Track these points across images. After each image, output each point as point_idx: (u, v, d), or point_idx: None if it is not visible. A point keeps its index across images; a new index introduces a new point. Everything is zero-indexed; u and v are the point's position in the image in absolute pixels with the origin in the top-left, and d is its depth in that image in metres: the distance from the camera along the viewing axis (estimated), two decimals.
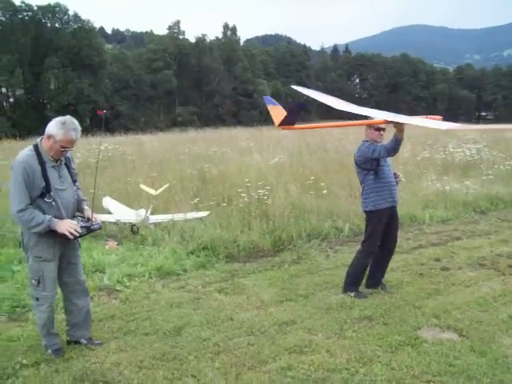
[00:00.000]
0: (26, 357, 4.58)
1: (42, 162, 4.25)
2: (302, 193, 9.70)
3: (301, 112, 5.88)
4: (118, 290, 6.30)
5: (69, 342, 4.81)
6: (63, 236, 4.31)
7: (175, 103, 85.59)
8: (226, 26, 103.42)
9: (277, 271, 7.02)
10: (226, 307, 5.76)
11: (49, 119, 4.48)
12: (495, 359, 4.54)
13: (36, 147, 4.31)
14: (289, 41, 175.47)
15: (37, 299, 4.46)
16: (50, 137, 4.24)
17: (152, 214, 8.82)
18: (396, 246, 6.39)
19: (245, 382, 4.19)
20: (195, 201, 8.94)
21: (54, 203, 4.29)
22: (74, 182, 4.61)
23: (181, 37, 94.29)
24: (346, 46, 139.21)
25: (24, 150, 4.32)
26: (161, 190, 9.36)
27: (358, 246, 7.82)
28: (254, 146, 16.84)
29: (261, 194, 8.94)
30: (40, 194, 4.24)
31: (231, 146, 17.20)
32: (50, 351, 4.57)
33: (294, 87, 7.83)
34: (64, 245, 4.49)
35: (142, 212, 8.67)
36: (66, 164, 4.50)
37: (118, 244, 8.05)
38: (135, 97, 79.81)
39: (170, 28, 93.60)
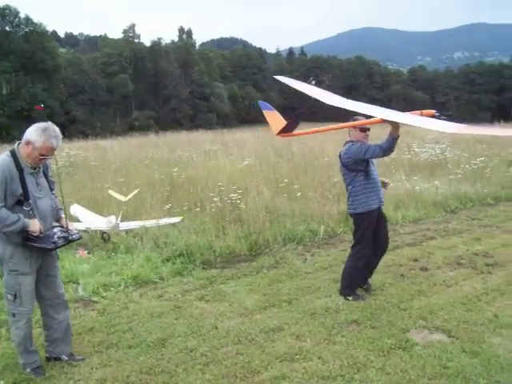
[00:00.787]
0: (3, 377, 4.32)
1: (19, 169, 4.01)
2: (274, 196, 9.59)
3: (299, 121, 5.78)
4: (94, 301, 6.05)
5: (48, 359, 4.56)
6: (40, 249, 4.09)
7: (131, 107, 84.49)
8: (181, 30, 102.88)
9: (256, 277, 6.88)
10: (209, 315, 5.58)
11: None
12: (488, 359, 4.51)
13: (13, 153, 4.06)
14: (244, 44, 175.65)
15: (13, 315, 4.19)
16: (28, 143, 4.00)
17: (122, 220, 8.56)
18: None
19: None
20: (167, 206, 8.72)
21: (31, 212, 4.05)
22: (51, 190, 4.38)
23: (136, 40, 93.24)
24: (302, 48, 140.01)
25: (0, 155, 4.08)
26: (130, 195, 9.10)
27: (339, 248, 7.82)
28: (219, 149, 16.68)
29: (234, 198, 8.78)
30: (17, 202, 3.99)
31: (196, 150, 16.97)
32: (28, 370, 4.30)
33: (277, 77, 7.70)
34: (42, 257, 4.25)
35: (112, 219, 8.40)
36: (43, 172, 4.27)
37: (88, 253, 7.76)
38: (91, 101, 78.48)
39: (124, 32, 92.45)
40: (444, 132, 4.83)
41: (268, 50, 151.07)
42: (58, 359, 4.53)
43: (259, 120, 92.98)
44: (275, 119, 6.20)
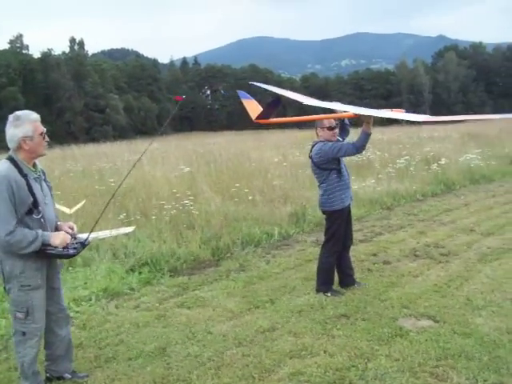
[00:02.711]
0: None
1: (24, 175, 3.74)
2: (222, 201, 9.55)
3: (277, 107, 5.81)
4: (70, 317, 5.73)
5: (49, 379, 4.25)
6: (60, 256, 3.85)
7: None
8: (72, 40, 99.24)
9: (227, 280, 6.82)
10: (198, 321, 5.48)
11: None
12: (481, 338, 4.80)
13: (12, 159, 3.77)
14: (137, 54, 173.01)
15: (23, 334, 3.85)
16: (25, 140, 3.73)
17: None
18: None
19: None
20: (121, 216, 8.44)
21: (42, 220, 3.81)
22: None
23: (24, 51, 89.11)
24: (195, 58, 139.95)
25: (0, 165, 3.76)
26: (76, 207, 8.67)
27: (296, 249, 7.93)
28: (143, 158, 16.31)
29: (187, 204, 8.66)
30: (27, 211, 3.73)
31: (116, 161, 16.53)
32: None
33: (256, 84, 7.78)
34: (49, 266, 3.99)
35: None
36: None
37: None
38: None
39: (11, 42, 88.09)
40: (416, 121, 5.09)
41: (161, 61, 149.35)
42: (60, 378, 4.25)
43: (159, 131, 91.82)
44: (253, 107, 6.34)
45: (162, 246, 7.51)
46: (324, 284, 6.17)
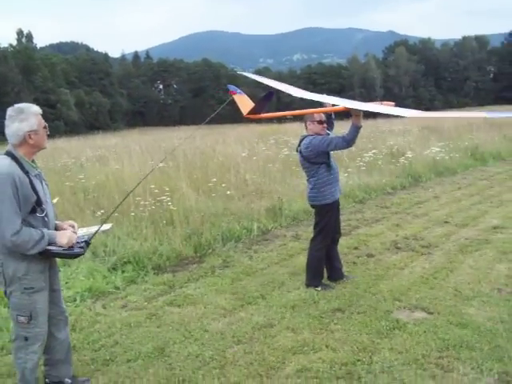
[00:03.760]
0: None
1: (26, 172, 3.54)
2: (198, 196, 9.41)
3: (269, 102, 5.73)
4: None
5: None
6: (61, 256, 3.68)
7: None
8: (20, 33, 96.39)
9: (214, 277, 6.71)
10: (192, 319, 5.37)
11: None
12: (477, 328, 4.89)
13: (13, 156, 3.57)
14: (87, 48, 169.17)
15: (26, 339, 3.66)
16: (30, 134, 3.54)
17: None
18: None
19: None
20: (99, 213, 8.20)
21: (46, 218, 3.63)
22: None
23: None
24: (147, 52, 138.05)
25: (1, 160, 3.56)
26: None
27: (277, 244, 7.90)
28: (105, 155, 15.96)
29: (164, 200, 8.49)
30: (31, 209, 3.54)
31: (79, 157, 16.12)
32: None
33: (244, 73, 7.66)
34: (50, 267, 3.82)
35: None
36: None
37: None
38: None
39: None
40: (404, 116, 5.10)
41: (112, 54, 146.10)
42: (60, 383, 4.08)
43: (112, 127, 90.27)
44: (244, 101, 6.25)
45: (144, 244, 7.33)
46: (314, 278, 6.16)
